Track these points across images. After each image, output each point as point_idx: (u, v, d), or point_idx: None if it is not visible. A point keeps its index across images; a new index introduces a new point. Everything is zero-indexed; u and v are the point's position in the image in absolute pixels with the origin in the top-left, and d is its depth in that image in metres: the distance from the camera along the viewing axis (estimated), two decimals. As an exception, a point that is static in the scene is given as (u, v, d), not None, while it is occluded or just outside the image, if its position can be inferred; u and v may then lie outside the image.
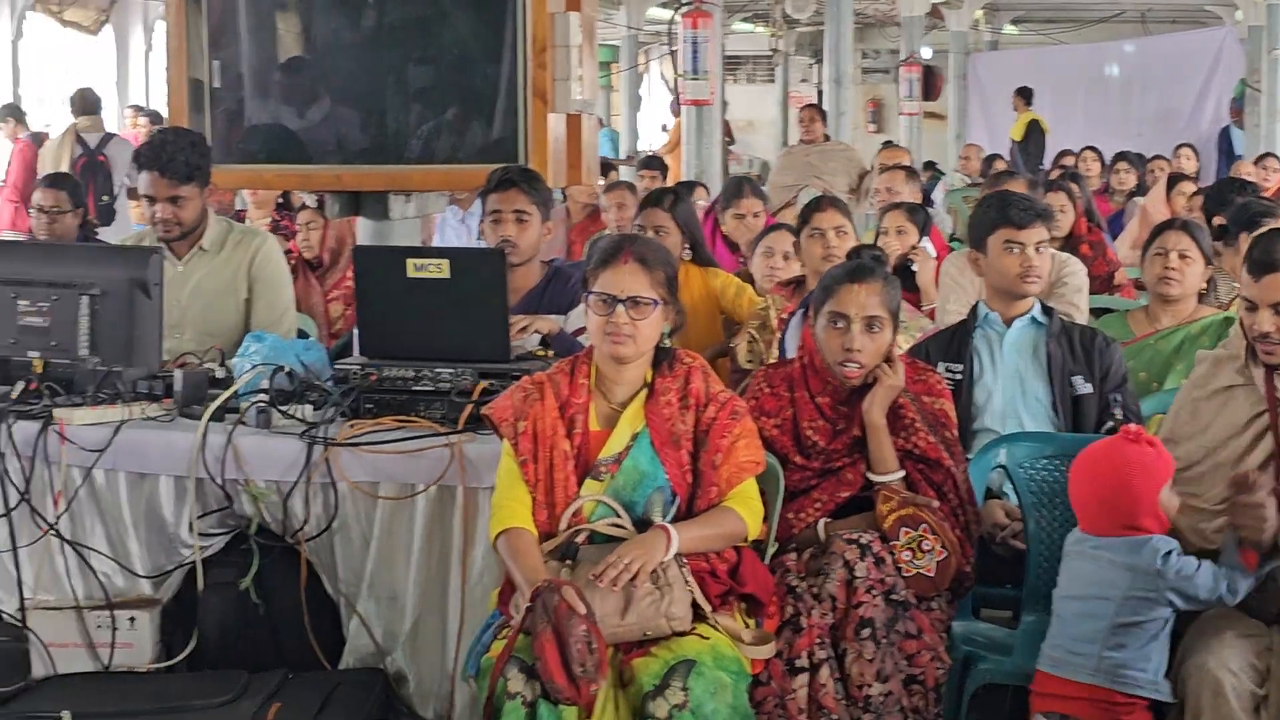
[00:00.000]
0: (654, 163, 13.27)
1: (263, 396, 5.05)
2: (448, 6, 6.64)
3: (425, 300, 5.07)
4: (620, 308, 4.38)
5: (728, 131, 23.58)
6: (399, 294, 5.10)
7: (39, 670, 5.00)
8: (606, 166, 15.69)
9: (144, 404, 5.11)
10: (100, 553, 5.05)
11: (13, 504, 5.00)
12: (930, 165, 19.73)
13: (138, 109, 18.69)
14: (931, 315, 6.90)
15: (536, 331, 5.38)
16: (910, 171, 9.96)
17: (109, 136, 13.66)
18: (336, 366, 5.17)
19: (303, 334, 6.58)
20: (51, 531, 5.02)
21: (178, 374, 5.19)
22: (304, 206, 8.82)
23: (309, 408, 5.03)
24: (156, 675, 5.02)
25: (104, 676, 5.00)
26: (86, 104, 13.87)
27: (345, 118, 6.81)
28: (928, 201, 13.14)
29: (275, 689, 4.83)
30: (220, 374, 5.39)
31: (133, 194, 13.40)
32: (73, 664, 5.03)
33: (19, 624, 5.01)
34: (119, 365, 5.16)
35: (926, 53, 25.54)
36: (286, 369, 5.15)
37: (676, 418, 4.42)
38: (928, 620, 4.52)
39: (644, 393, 4.47)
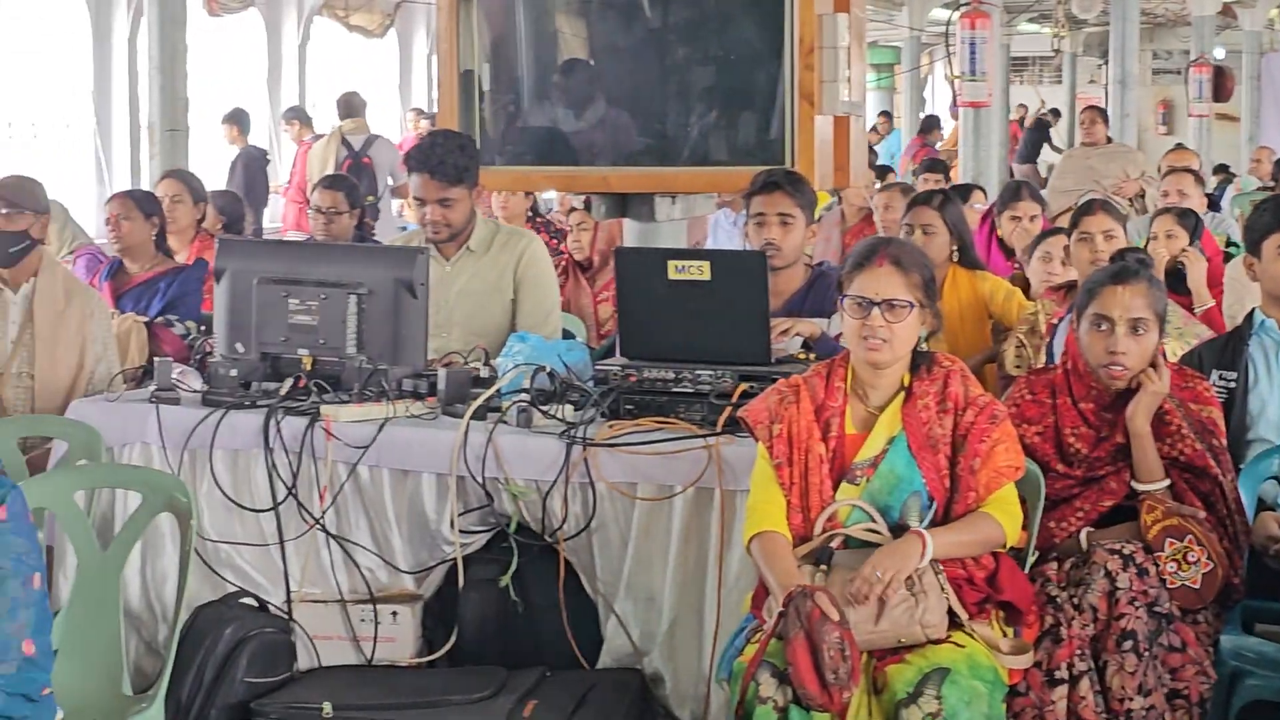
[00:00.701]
0: (937, 166, 13.08)
1: (524, 396, 5.09)
2: (726, 7, 6.64)
3: (686, 302, 5.06)
4: (875, 311, 4.31)
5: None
6: (660, 296, 5.10)
7: (304, 662, 5.11)
8: (885, 170, 15.56)
9: (408, 402, 5.19)
10: (364, 548, 5.14)
11: (280, 498, 5.13)
12: (1222, 168, 19.21)
13: (419, 112, 19.05)
14: (1211, 319, 6.71)
15: (798, 335, 5.34)
16: (1196, 175, 9.69)
17: (373, 138, 13.93)
18: (597, 368, 5.19)
19: (568, 334, 6.62)
20: (317, 526, 5.14)
21: (442, 372, 5.26)
22: (573, 209, 8.89)
23: (569, 408, 5.05)
24: (417, 670, 5.10)
25: (365, 669, 5.09)
26: (351, 107, 14.20)
27: (620, 120, 6.85)
28: (1215, 206, 12.80)
29: (533, 686, 4.87)
30: (484, 373, 5.44)
31: (396, 194, 13.68)
32: (336, 656, 5.13)
33: (285, 616, 5.13)
34: (385, 363, 5.25)
35: (1219, 53, 24.88)
36: (548, 369, 5.18)
37: (934, 421, 4.34)
38: (1193, 634, 4.38)
39: (901, 396, 4.40)
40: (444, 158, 6.00)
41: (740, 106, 6.66)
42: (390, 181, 13.64)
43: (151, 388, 5.47)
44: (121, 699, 4.44)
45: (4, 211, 5.94)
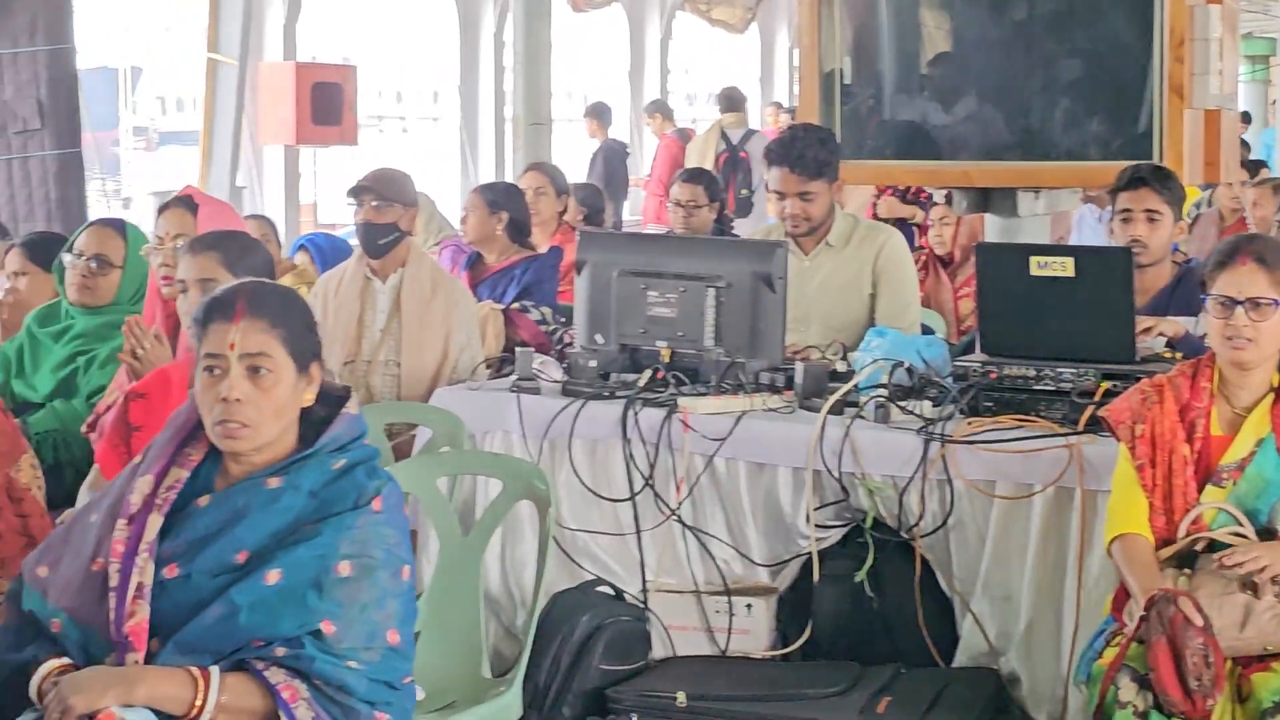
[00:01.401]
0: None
1: (882, 391, 5.06)
2: (1093, -1, 6.53)
3: (1048, 299, 4.97)
4: (1239, 310, 4.18)
5: None
6: (1021, 292, 5.02)
7: (658, 651, 5.16)
8: (1258, 165, 15.05)
9: (765, 395, 5.20)
10: (720, 539, 5.17)
11: (637, 489, 5.18)
12: None
13: (778, 106, 19.10)
14: None
15: (1161, 334, 5.20)
16: None
17: (751, 133, 14.02)
18: (956, 364, 5.13)
19: (927, 330, 6.56)
20: (674, 517, 5.17)
21: (799, 366, 5.25)
22: (934, 203, 8.80)
23: (928, 404, 5.00)
24: (771, 663, 5.10)
25: (719, 661, 5.11)
26: (731, 101, 14.32)
27: (985, 113, 6.77)
28: None
29: (887, 683, 4.84)
30: (841, 368, 5.42)
31: (770, 187, 13.73)
32: (690, 646, 5.16)
33: (641, 605, 5.18)
34: (742, 357, 5.27)
35: None
36: (906, 365, 5.14)
37: (1306, 424, 4.19)
38: None
39: (1270, 397, 4.25)
40: (804, 151, 6.00)
41: (1108, 100, 6.53)
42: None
43: (513, 377, 5.58)
44: (481, 681, 4.54)
45: (374, 204, 6.10)
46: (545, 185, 8.26)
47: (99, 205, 14.38)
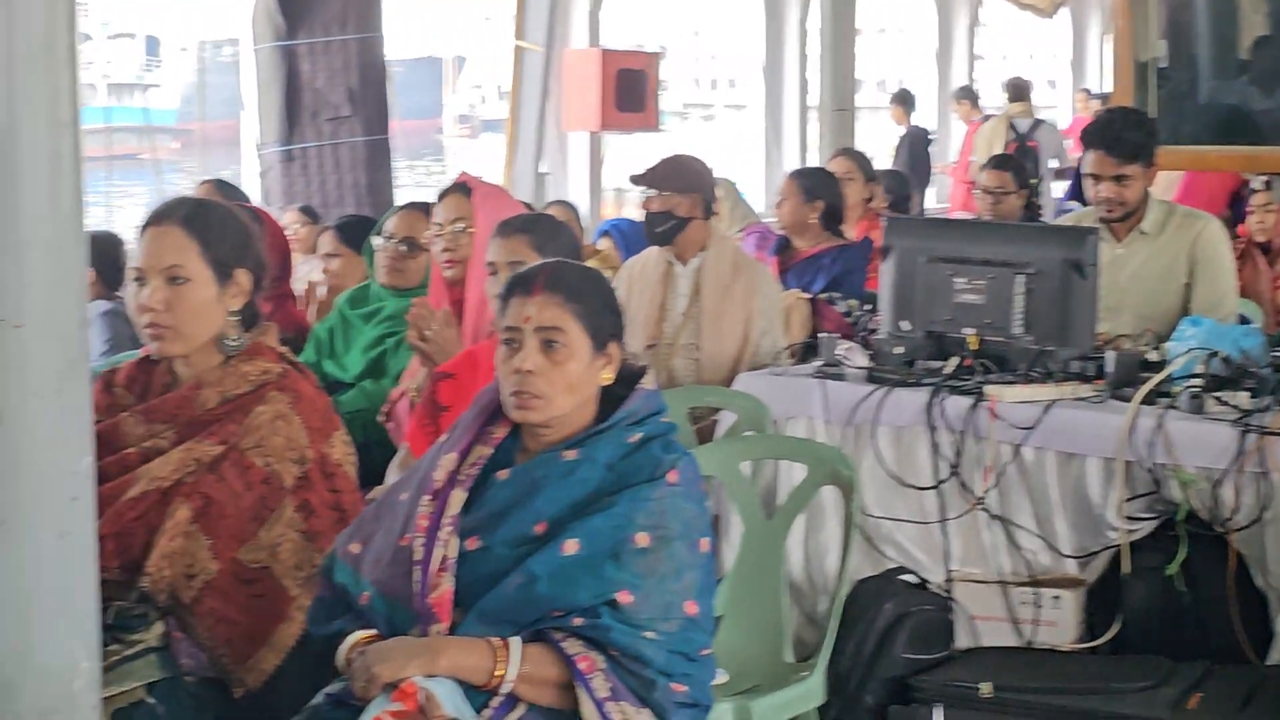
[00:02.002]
0: None
1: (1196, 381, 4.91)
2: None
3: (1375, 286, 4.78)
4: None
5: None
6: (1347, 279, 4.83)
7: (962, 641, 5.08)
8: None
9: (1075, 384, 5.08)
10: (1026, 529, 5.07)
11: (943, 477, 5.11)
12: None
13: (1087, 93, 18.75)
14: None
15: None
16: None
17: (1038, 122, 13.85)
18: (1275, 354, 4.96)
19: (1244, 319, 6.35)
20: (979, 506, 5.09)
21: (1110, 355, 5.12)
22: (1253, 190, 8.54)
23: (1244, 395, 4.84)
24: (1077, 655, 4.98)
25: (1024, 652, 5.01)
26: (1018, 90, 14.22)
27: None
28: None
29: (1198, 679, 4.70)
30: (1153, 357, 5.27)
31: (1059, 176, 13.51)
32: (994, 637, 5.07)
33: (945, 594, 5.11)
34: (1052, 344, 5.16)
35: None
36: (1222, 355, 4.98)
37: None
38: None
39: None
40: (1121, 133, 5.87)
41: None
42: (1054, 164, 13.53)
43: (817, 363, 5.55)
44: (783, 666, 4.53)
45: (652, 193, 6.16)
46: (853, 171, 8.21)
47: (418, 190, 14.70)
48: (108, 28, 35.09)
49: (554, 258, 3.80)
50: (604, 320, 3.46)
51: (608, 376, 3.46)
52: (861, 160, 8.45)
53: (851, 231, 7.83)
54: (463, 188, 5.27)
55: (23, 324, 2.89)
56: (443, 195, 5.34)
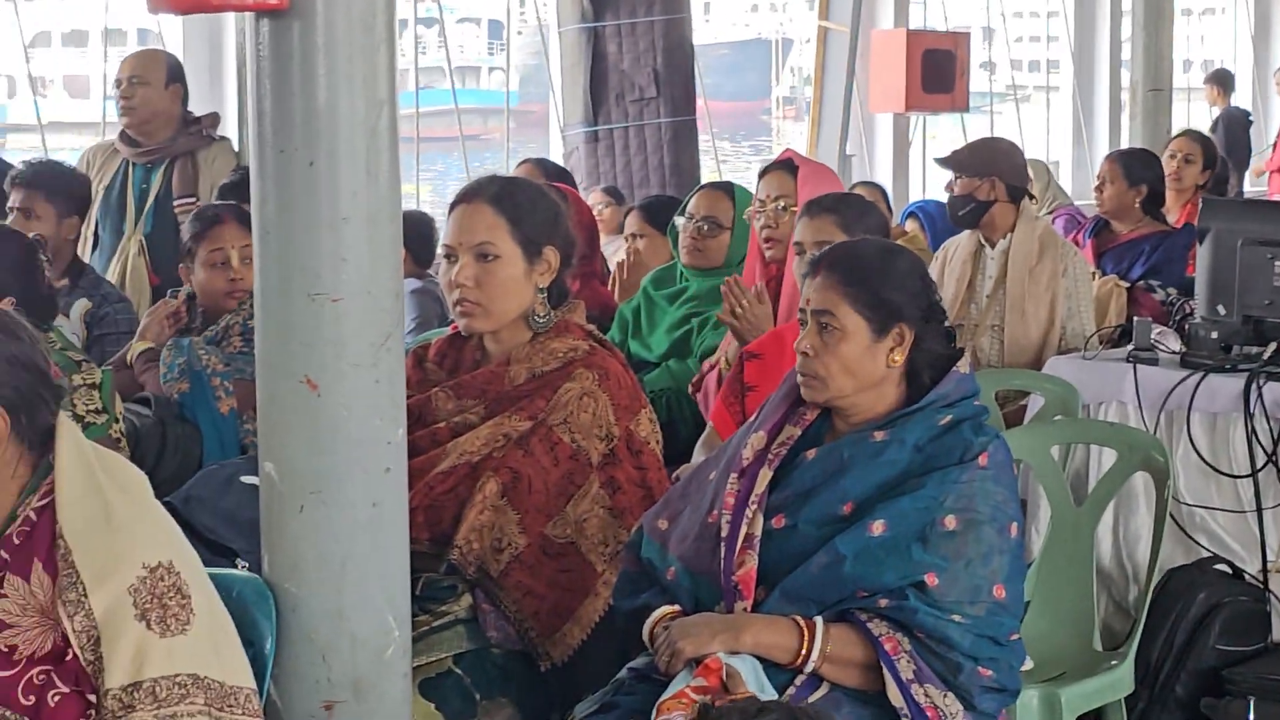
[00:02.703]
0: None
1: None
2: None
3: None
4: None
5: None
6: None
7: (1278, 633, 4.92)
8: None
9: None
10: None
11: (1260, 465, 4.96)
12: None
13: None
14: None
15: None
16: None
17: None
18: None
19: None
20: (1298, 495, 4.93)
21: None
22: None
23: None
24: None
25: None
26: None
27: None
28: None
29: None
30: None
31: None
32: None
33: (1261, 585, 4.95)
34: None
35: None
36: None
37: None
38: None
39: None
40: None
41: None
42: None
43: (1129, 347, 5.43)
44: (1091, 654, 4.43)
45: (959, 178, 6.09)
46: (1195, 153, 8.04)
47: (745, 172, 14.75)
48: (454, 12, 36.21)
49: (861, 237, 3.77)
50: (887, 303, 3.41)
51: (897, 359, 3.41)
52: (1206, 144, 8.24)
53: (1174, 215, 7.63)
54: (787, 165, 5.25)
55: (340, 298, 2.96)
56: (765, 172, 5.34)
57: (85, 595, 2.70)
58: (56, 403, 2.87)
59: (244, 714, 2.77)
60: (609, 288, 6.37)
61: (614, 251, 7.07)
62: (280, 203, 2.99)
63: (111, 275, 6.24)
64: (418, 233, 6.47)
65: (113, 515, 2.77)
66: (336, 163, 2.96)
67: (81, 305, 5.49)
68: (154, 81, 6.48)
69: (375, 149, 2.99)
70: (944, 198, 6.60)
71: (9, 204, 5.55)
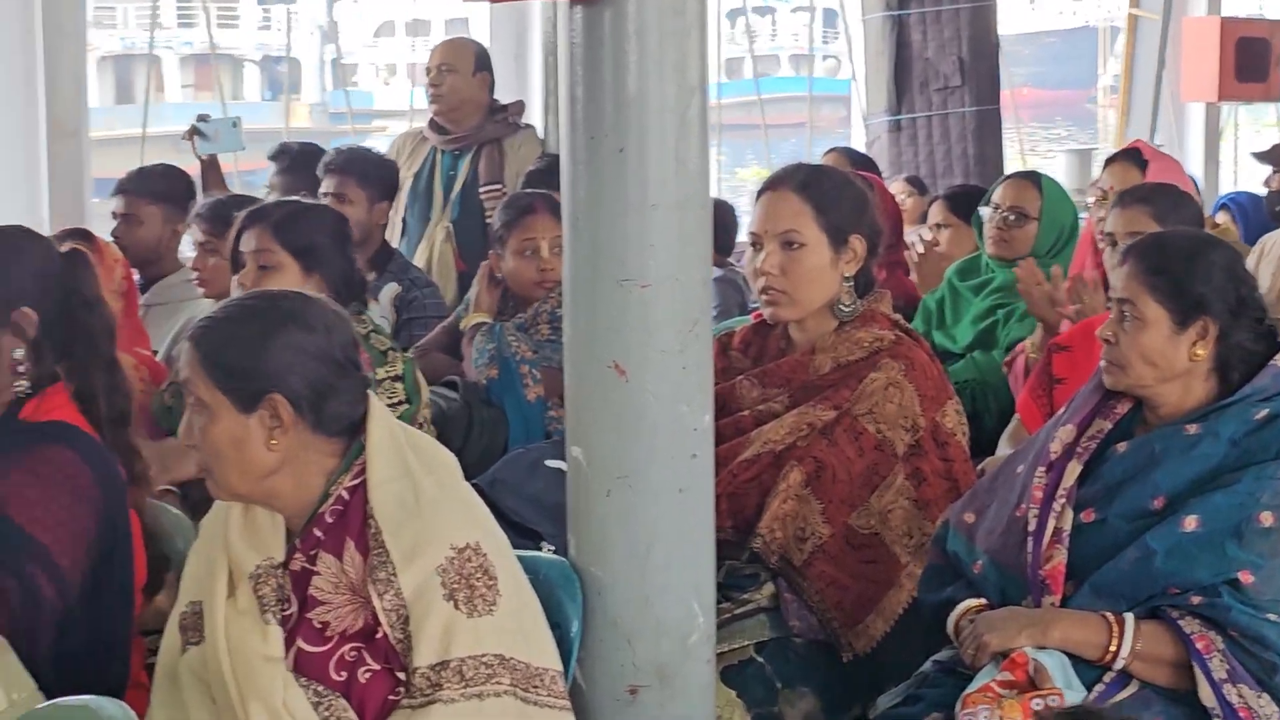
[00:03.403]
0: None
1: None
2: None
3: None
4: None
5: None
6: None
7: None
8: None
9: None
10: None
11: None
12: None
13: None
14: None
15: None
16: None
17: None
18: None
19: None
20: None
21: None
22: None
23: None
24: None
25: None
26: None
27: None
28: None
29: None
30: None
31: None
32: None
33: None
34: None
35: None
36: None
37: None
38: None
39: None
40: None
41: None
42: None
43: None
44: None
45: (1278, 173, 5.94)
46: None
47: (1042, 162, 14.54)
48: (789, 1, 36.58)
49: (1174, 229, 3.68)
50: (1191, 295, 3.32)
51: (1200, 352, 3.31)
52: None
53: None
54: (1134, 155, 5.14)
55: (649, 284, 2.97)
56: (1110, 161, 5.23)
57: (395, 574, 2.75)
58: (360, 391, 2.92)
59: (549, 695, 2.79)
60: (912, 278, 6.30)
61: (914, 241, 6.99)
62: (590, 189, 3.00)
63: (418, 261, 6.35)
64: (719, 221, 6.47)
65: (422, 496, 2.82)
66: (646, 149, 2.97)
67: (391, 289, 5.60)
68: (462, 69, 6.59)
69: (685, 135, 2.99)
70: (1258, 190, 6.41)
71: (321, 190, 5.68)
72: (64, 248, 3.53)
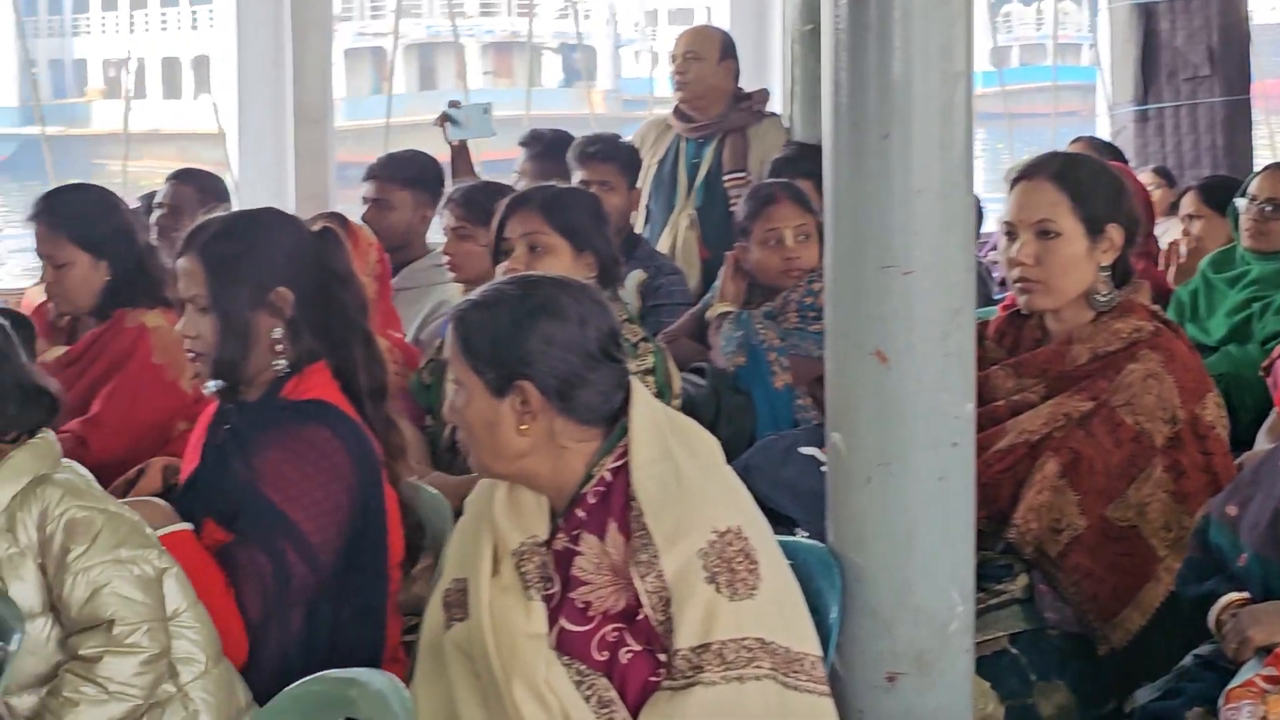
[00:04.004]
0: None
1: None
2: None
3: None
4: None
5: None
6: None
7: None
8: None
9: None
10: None
11: None
12: None
13: None
14: None
15: None
16: None
17: None
18: None
19: None
20: None
21: None
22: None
23: None
24: None
25: None
26: None
27: None
28: None
29: None
30: None
31: None
32: None
33: None
34: None
35: None
36: None
37: None
38: None
39: None
40: None
41: None
42: None
43: None
44: None
45: None
46: None
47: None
48: None
49: None
50: None
51: None
52: None
53: None
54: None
55: (911, 270, 2.96)
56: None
57: (657, 556, 2.77)
58: (618, 379, 2.94)
59: (809, 680, 2.79)
60: (1160, 269, 6.20)
61: (1163, 233, 6.87)
62: (853, 175, 3.01)
63: (662, 248, 6.38)
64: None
65: (684, 479, 2.84)
66: (910, 136, 2.96)
67: (637, 276, 5.64)
68: (708, 57, 6.60)
69: (949, 122, 2.98)
70: None
71: (581, 178, 5.73)
72: (316, 228, 3.60)
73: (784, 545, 2.95)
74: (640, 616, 2.79)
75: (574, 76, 36.59)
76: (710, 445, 2.95)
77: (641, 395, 2.94)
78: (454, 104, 6.48)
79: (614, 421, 2.92)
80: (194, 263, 3.39)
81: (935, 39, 2.96)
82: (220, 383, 3.41)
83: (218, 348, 3.36)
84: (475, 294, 3.03)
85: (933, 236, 2.97)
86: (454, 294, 5.35)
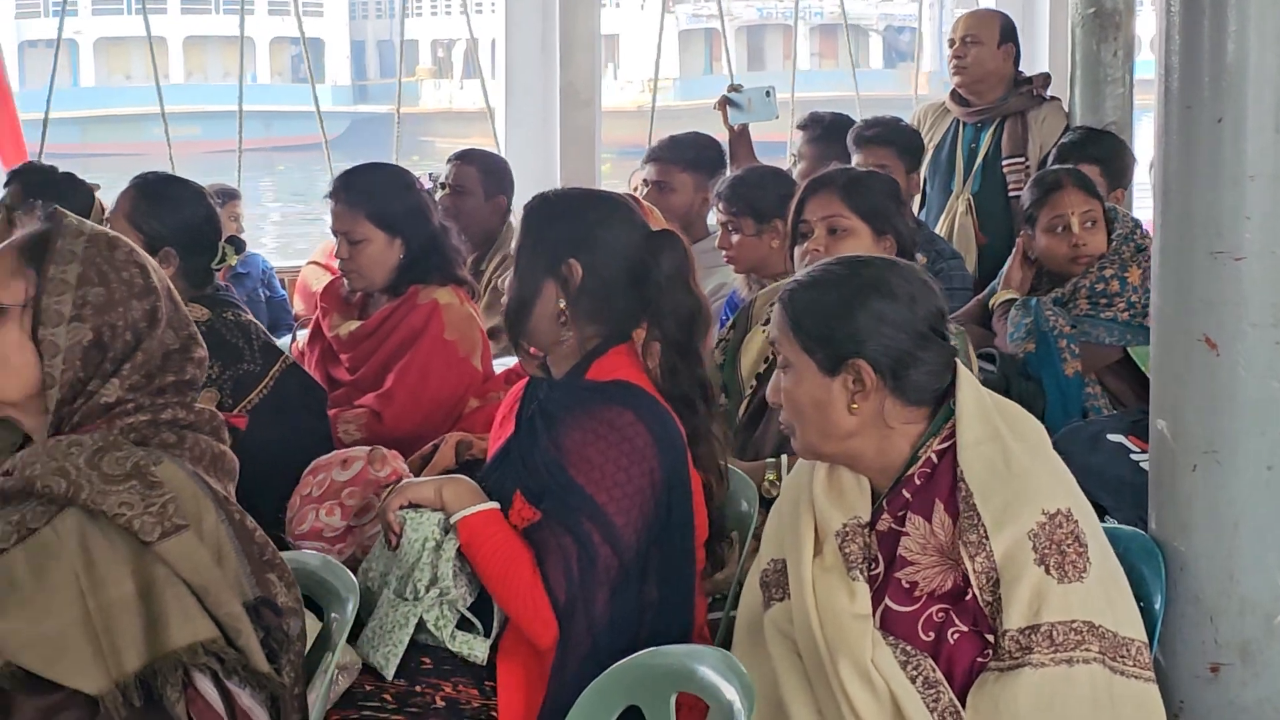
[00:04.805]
0: None
1: None
2: None
3: None
4: None
5: None
6: None
7: None
8: None
9: None
10: None
11: None
12: None
13: None
14: None
15: None
16: None
17: None
18: None
19: None
20: None
21: None
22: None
23: None
24: None
25: None
26: None
27: None
28: None
29: None
30: None
31: None
32: None
33: None
34: None
35: None
36: None
37: None
38: None
39: None
40: None
41: None
42: None
43: None
44: None
45: None
46: None
47: None
48: None
49: None
50: None
51: None
52: None
53: None
54: None
55: (1243, 256, 2.92)
56: None
57: (986, 537, 2.76)
58: (945, 360, 2.93)
59: (1135, 666, 2.77)
60: None
61: None
62: (1184, 159, 2.97)
63: (939, 231, 6.33)
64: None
65: (1012, 461, 2.82)
66: (1244, 118, 2.92)
67: (917, 260, 5.61)
68: (987, 41, 6.54)
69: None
70: None
71: (858, 160, 5.71)
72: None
73: (1105, 531, 2.93)
74: (967, 597, 2.78)
75: (897, 58, 36.42)
76: (1036, 428, 2.93)
77: (967, 377, 2.93)
78: (734, 87, 6.46)
79: (939, 403, 2.92)
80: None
81: (1271, 21, 2.91)
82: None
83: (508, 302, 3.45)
84: (802, 274, 3.03)
85: (1265, 222, 2.92)
86: (733, 275, 5.36)
